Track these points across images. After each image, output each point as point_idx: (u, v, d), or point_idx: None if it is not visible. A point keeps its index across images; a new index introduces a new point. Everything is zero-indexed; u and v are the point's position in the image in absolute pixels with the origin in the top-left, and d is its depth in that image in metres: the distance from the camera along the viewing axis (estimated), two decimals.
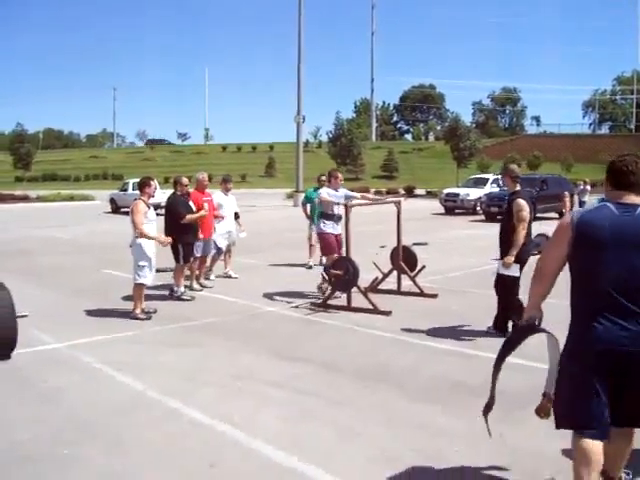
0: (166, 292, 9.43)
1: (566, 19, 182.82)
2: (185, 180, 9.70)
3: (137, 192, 8.61)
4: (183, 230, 9.16)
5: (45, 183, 62.12)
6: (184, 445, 4.27)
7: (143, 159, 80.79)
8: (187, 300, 9.25)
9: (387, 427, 4.57)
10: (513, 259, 6.84)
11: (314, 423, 4.66)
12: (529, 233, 6.99)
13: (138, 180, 8.93)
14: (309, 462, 3.99)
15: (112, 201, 29.75)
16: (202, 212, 9.65)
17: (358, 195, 9.87)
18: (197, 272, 10.33)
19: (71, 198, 40.10)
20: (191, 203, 9.71)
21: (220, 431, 4.51)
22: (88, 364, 6.17)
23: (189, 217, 9.28)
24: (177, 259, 9.24)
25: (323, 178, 11.71)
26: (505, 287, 7.10)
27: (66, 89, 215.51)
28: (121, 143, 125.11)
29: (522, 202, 6.88)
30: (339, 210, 9.09)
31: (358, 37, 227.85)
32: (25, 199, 39.20)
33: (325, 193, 9.24)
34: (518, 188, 7.11)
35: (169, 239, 8.52)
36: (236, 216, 11.50)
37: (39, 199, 39.10)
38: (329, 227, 9.22)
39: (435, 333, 7.26)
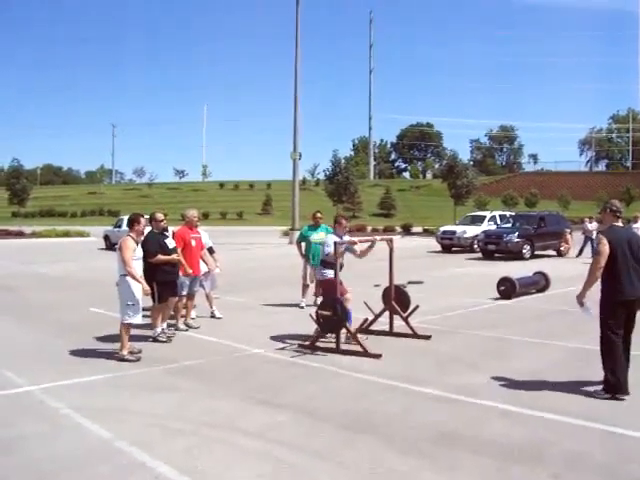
0: (150, 332, 9.06)
1: (563, 57, 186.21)
2: (159, 216, 9.32)
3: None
4: (156, 269, 8.74)
5: (42, 219, 62.25)
6: None
7: (140, 196, 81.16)
8: (163, 342, 8.86)
9: None
10: (583, 298, 6.26)
11: None
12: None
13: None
14: None
15: (106, 238, 29.52)
16: (173, 256, 9.12)
17: (357, 248, 9.05)
18: (183, 311, 10.01)
19: (66, 234, 40.01)
20: (170, 240, 9.36)
21: None
22: (57, 410, 5.81)
23: (158, 258, 8.80)
24: (152, 298, 8.78)
25: (319, 215, 11.43)
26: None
27: (66, 126, 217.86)
28: (120, 180, 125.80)
29: (601, 235, 6.28)
30: (342, 260, 8.71)
31: (357, 75, 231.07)
32: (20, 235, 39.01)
33: (332, 241, 8.69)
34: (617, 223, 6.46)
35: (148, 289, 8.04)
36: (211, 251, 11.15)
37: (34, 235, 38.93)
38: (331, 274, 8.65)
39: (425, 377, 6.90)
